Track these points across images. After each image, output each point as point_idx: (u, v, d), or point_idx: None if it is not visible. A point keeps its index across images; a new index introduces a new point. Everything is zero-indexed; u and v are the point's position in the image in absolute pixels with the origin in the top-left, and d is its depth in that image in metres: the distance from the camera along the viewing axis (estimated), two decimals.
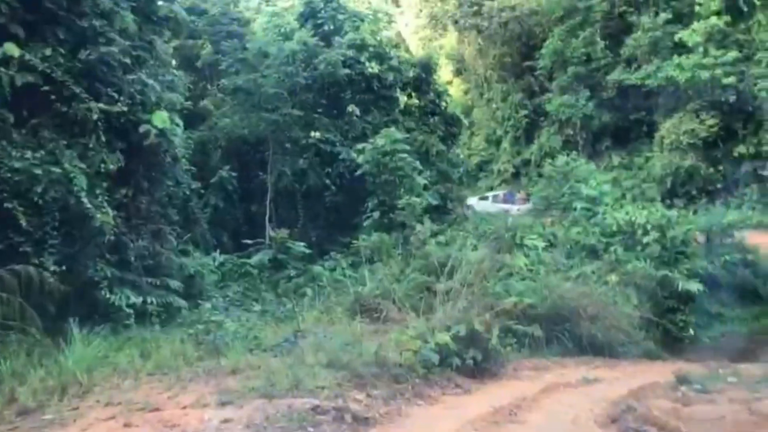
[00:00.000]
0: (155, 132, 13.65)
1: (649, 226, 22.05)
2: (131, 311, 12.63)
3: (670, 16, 33.83)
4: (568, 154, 27.84)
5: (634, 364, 15.58)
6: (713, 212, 23.60)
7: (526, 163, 40.15)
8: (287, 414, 6.44)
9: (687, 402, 7.56)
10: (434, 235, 20.47)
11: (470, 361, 10.65)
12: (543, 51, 38.89)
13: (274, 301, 17.27)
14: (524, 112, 40.85)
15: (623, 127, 36.74)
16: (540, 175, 35.36)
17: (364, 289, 16.10)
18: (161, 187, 15.78)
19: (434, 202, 21.71)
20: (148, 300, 13.19)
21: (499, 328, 12.25)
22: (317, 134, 23.84)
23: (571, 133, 37.95)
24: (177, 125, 15.47)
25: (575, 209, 23.89)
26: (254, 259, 20.14)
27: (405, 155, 20.47)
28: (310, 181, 23.26)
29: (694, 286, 19.75)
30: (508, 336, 12.92)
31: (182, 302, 14.03)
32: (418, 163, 21.18)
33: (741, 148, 31.04)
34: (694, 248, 22.02)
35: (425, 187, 21.39)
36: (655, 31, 33.74)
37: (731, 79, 29.92)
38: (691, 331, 19.86)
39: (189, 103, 19.58)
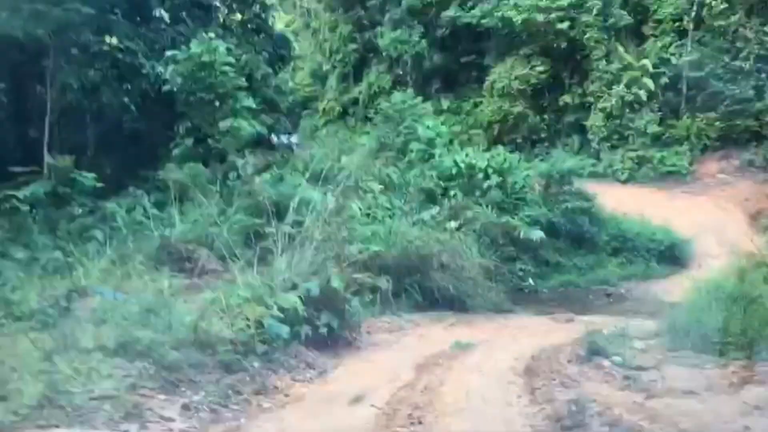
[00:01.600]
0: None
1: (490, 170, 20.83)
2: None
3: None
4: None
5: (489, 319, 13.95)
6: (552, 158, 22.72)
7: (354, 102, 37.55)
8: None
9: (648, 392, 5.41)
10: (260, 171, 17.50)
11: (324, 329, 7.96)
12: None
13: (49, 247, 13.15)
14: (353, 46, 37.87)
15: (454, 69, 35.42)
16: (368, 117, 33.19)
17: (173, 233, 12.96)
18: None
19: (263, 131, 18.33)
20: None
21: (349, 282, 9.74)
22: (114, 41, 19.12)
23: (401, 72, 35.99)
24: None
25: (412, 151, 22.08)
26: (25, 192, 15.45)
27: (228, 68, 16.72)
28: (103, 99, 18.58)
29: (535, 234, 18.80)
30: (363, 292, 10.45)
31: None
32: (243, 80, 17.55)
33: (566, 98, 31.06)
34: (534, 195, 21.26)
35: (251, 113, 17.89)
36: None
37: (564, 25, 29.47)
38: (531, 281, 19.02)
39: None
